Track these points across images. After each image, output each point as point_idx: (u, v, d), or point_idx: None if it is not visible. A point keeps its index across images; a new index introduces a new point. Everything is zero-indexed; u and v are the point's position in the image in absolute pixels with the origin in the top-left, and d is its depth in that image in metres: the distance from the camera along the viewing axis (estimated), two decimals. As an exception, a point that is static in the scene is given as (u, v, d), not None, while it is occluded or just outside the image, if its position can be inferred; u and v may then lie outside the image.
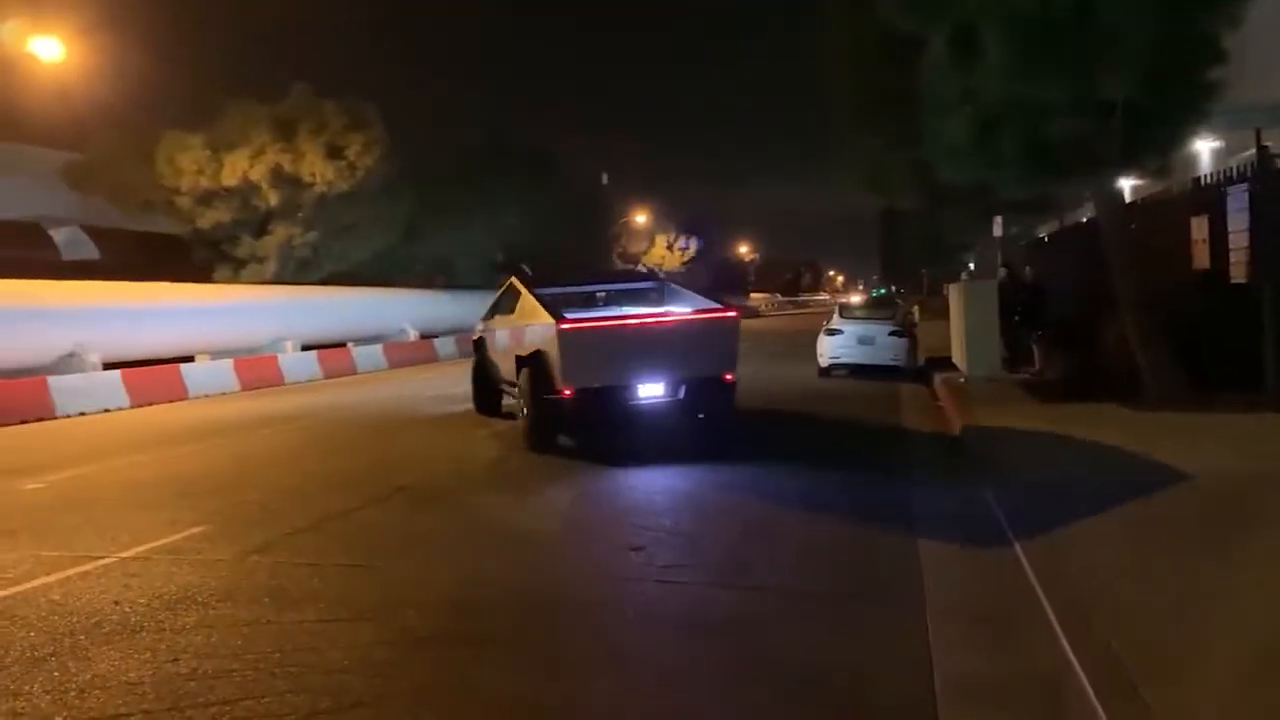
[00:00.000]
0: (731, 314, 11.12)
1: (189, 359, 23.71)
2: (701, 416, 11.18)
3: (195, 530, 7.60)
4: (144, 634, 5.16)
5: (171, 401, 20.25)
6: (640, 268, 57.45)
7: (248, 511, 8.28)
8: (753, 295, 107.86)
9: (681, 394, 10.66)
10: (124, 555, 6.88)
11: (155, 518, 8.15)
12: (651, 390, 10.58)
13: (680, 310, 11.63)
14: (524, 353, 11.36)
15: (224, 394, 21.78)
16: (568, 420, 10.98)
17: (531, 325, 11.35)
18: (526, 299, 11.92)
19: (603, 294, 13.10)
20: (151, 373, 20.90)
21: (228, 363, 23.23)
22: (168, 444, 13.18)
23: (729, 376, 10.93)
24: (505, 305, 13.21)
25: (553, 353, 10.32)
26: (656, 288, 13.38)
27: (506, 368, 12.64)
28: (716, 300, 11.74)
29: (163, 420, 16.83)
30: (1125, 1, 9.42)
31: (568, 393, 10.25)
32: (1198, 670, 3.99)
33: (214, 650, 4.87)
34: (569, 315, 10.56)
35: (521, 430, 11.43)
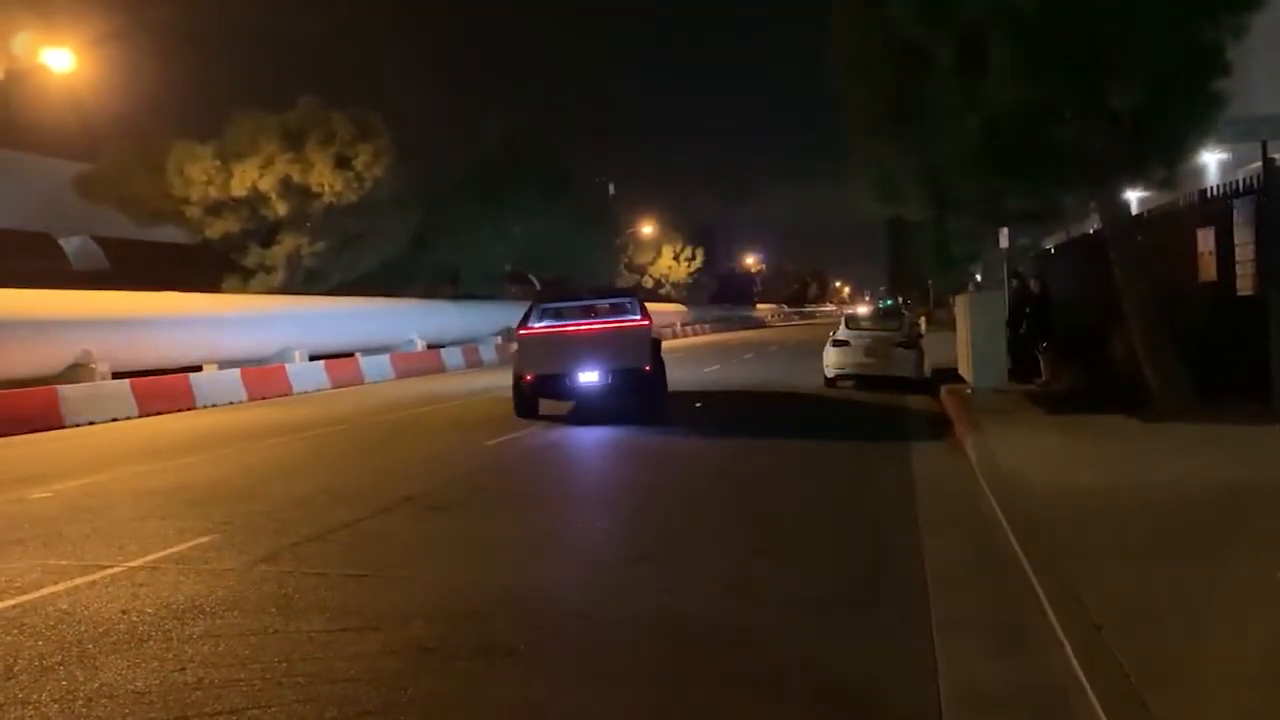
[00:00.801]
0: (644, 323, 15.51)
1: (197, 369, 23.80)
2: (631, 394, 15.35)
3: (203, 540, 7.62)
4: (151, 643, 5.17)
5: (179, 411, 20.32)
6: (646, 279, 57.70)
7: (255, 521, 8.30)
8: (759, 306, 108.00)
9: (610, 380, 14.95)
10: (132, 565, 6.90)
11: (163, 527, 8.18)
12: (589, 377, 14.96)
13: (608, 320, 15.84)
14: (513, 350, 16.98)
15: (232, 404, 21.84)
16: (530, 397, 15.46)
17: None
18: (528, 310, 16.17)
19: (586, 306, 17.27)
20: (160, 382, 20.98)
21: (235, 372, 23.31)
22: (175, 453, 13.22)
23: (647, 368, 15.07)
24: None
25: (519, 350, 15.75)
26: (628, 301, 16.62)
27: None
28: (642, 312, 16.01)
29: (171, 430, 16.89)
30: (1131, 10, 9.45)
31: (529, 377, 15.17)
32: (1204, 681, 3.97)
33: (221, 659, 4.88)
34: (530, 325, 15.52)
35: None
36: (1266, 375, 10.19)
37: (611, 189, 61.45)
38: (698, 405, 17.73)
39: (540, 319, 16.06)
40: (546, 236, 44.45)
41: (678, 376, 23.25)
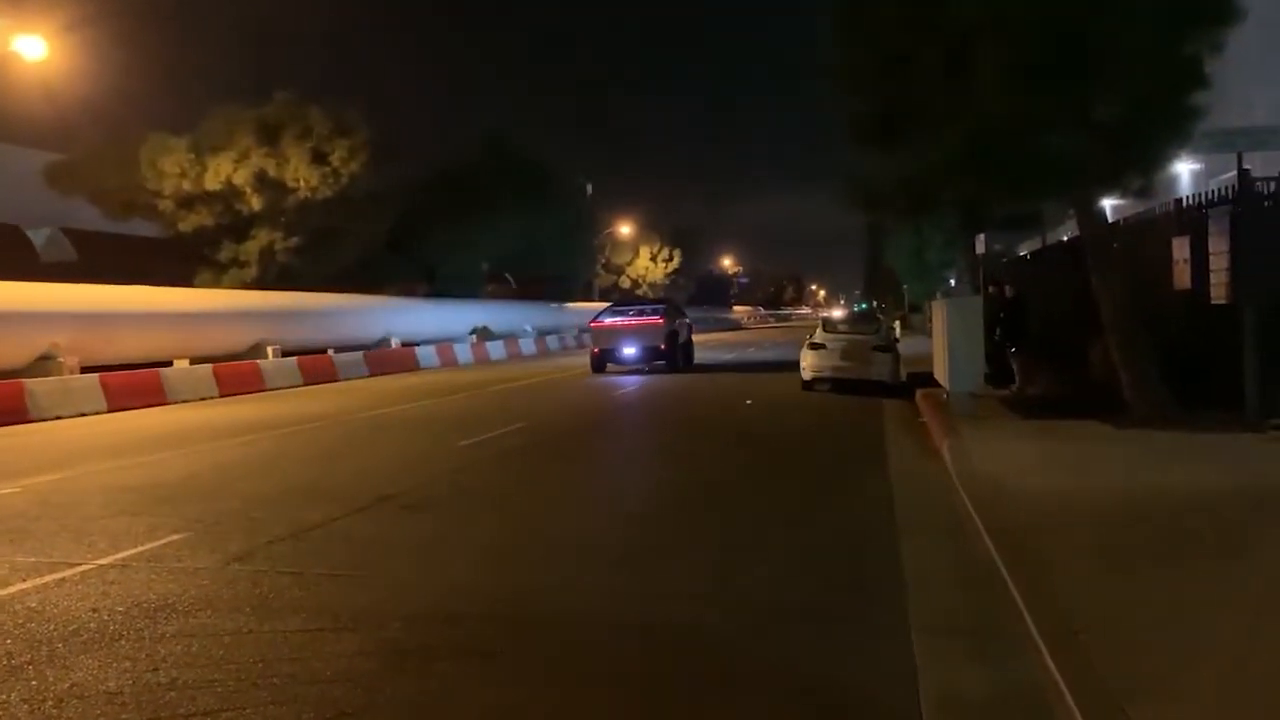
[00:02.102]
0: (660, 321, 26.70)
1: (168, 364, 23.51)
2: (660, 362, 26.36)
3: (175, 537, 7.51)
4: (123, 643, 5.09)
5: (150, 406, 20.07)
6: (623, 279, 58.47)
7: (228, 519, 8.20)
8: (736, 308, 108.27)
9: (640, 353, 26.08)
10: (102, 562, 6.79)
11: (134, 524, 8.06)
12: (629, 351, 26.22)
13: (641, 319, 27.01)
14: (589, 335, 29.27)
15: (204, 400, 21.60)
16: (599, 361, 26.58)
17: None
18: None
19: (631, 309, 28.83)
20: (130, 377, 20.72)
21: (207, 368, 23.05)
22: (147, 449, 13.05)
23: (662, 346, 26.01)
24: None
25: (592, 334, 28.02)
26: (657, 309, 28.36)
27: None
28: (682, 314, 28.97)
29: (141, 425, 16.67)
30: (1115, 24, 9.56)
31: (596, 350, 26.79)
32: (1183, 685, 4.00)
33: (194, 660, 4.80)
34: (600, 320, 28.07)
35: None
36: (1240, 383, 10.32)
37: (589, 189, 61.18)
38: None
39: (605, 316, 28.51)
40: (524, 236, 44.32)
41: (654, 383, 23.29)
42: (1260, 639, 4.50)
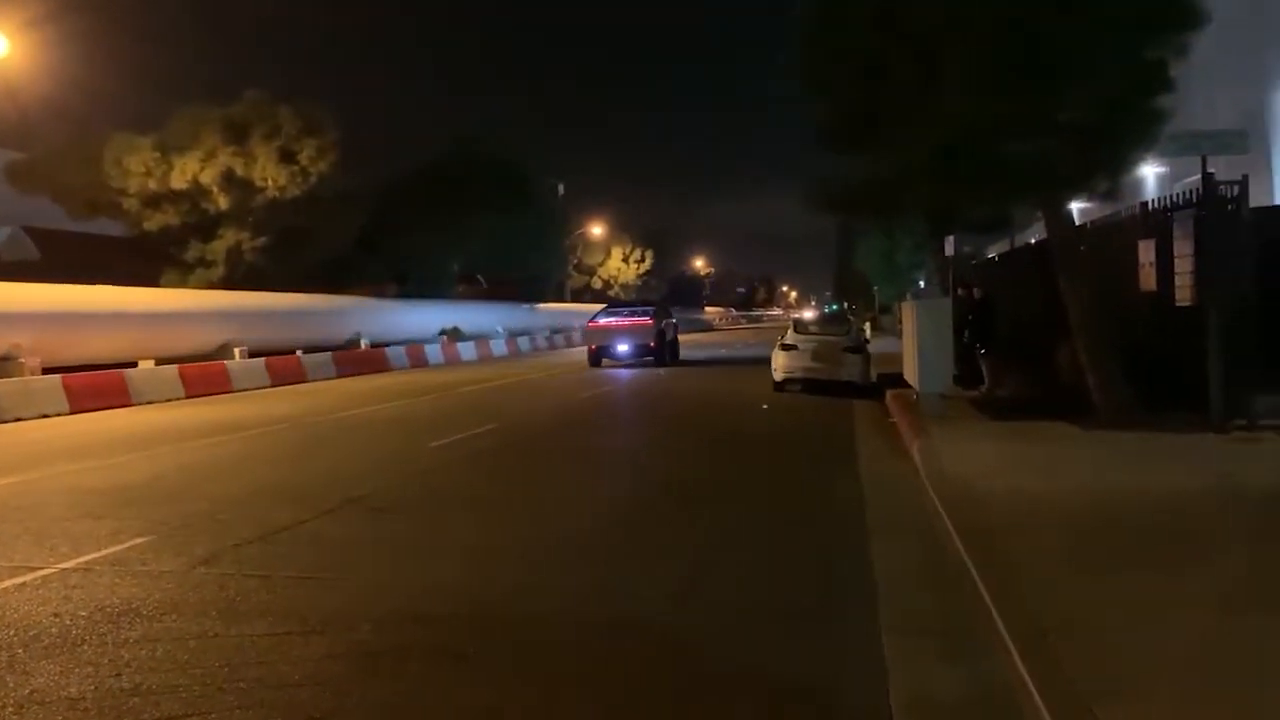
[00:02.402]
0: (649, 321, 29.56)
1: (133, 365, 23.19)
2: (649, 358, 29.10)
3: (139, 541, 7.39)
4: (85, 648, 4.99)
5: (114, 408, 19.77)
6: (595, 280, 59.08)
7: (194, 522, 8.08)
8: (707, 309, 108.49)
9: (632, 350, 28.98)
10: (64, 566, 6.67)
11: (97, 528, 7.92)
12: (622, 348, 29.06)
13: (631, 319, 29.87)
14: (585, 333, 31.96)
15: (169, 401, 21.31)
16: (595, 357, 29.35)
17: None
18: None
19: (624, 310, 32.28)
20: (93, 378, 20.41)
21: (173, 369, 22.75)
22: (110, 451, 12.85)
23: (651, 344, 28.87)
24: None
25: (587, 333, 30.82)
26: (647, 310, 31.43)
27: None
28: (669, 314, 32.25)
29: (105, 427, 16.42)
30: (1082, 29, 9.66)
31: (593, 347, 29.76)
32: (1151, 685, 4.03)
33: (159, 665, 4.73)
34: (595, 320, 31.08)
35: None
36: (1204, 384, 10.46)
37: (561, 190, 61.00)
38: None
39: (600, 317, 31.42)
40: (495, 237, 44.15)
41: (626, 384, 23.29)
42: (1226, 639, 4.55)
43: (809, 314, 32.28)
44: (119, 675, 4.59)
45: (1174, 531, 6.55)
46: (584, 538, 7.49)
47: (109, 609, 5.65)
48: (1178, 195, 11.31)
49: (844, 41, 11.67)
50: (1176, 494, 7.61)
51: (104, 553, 7.04)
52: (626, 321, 30.30)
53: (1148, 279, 11.35)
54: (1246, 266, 10.36)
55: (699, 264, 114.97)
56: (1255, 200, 10.83)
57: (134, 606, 5.69)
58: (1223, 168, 10.91)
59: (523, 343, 44.68)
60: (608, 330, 30.03)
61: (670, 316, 32.52)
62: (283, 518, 8.14)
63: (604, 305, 38.97)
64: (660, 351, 29.53)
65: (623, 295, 73.99)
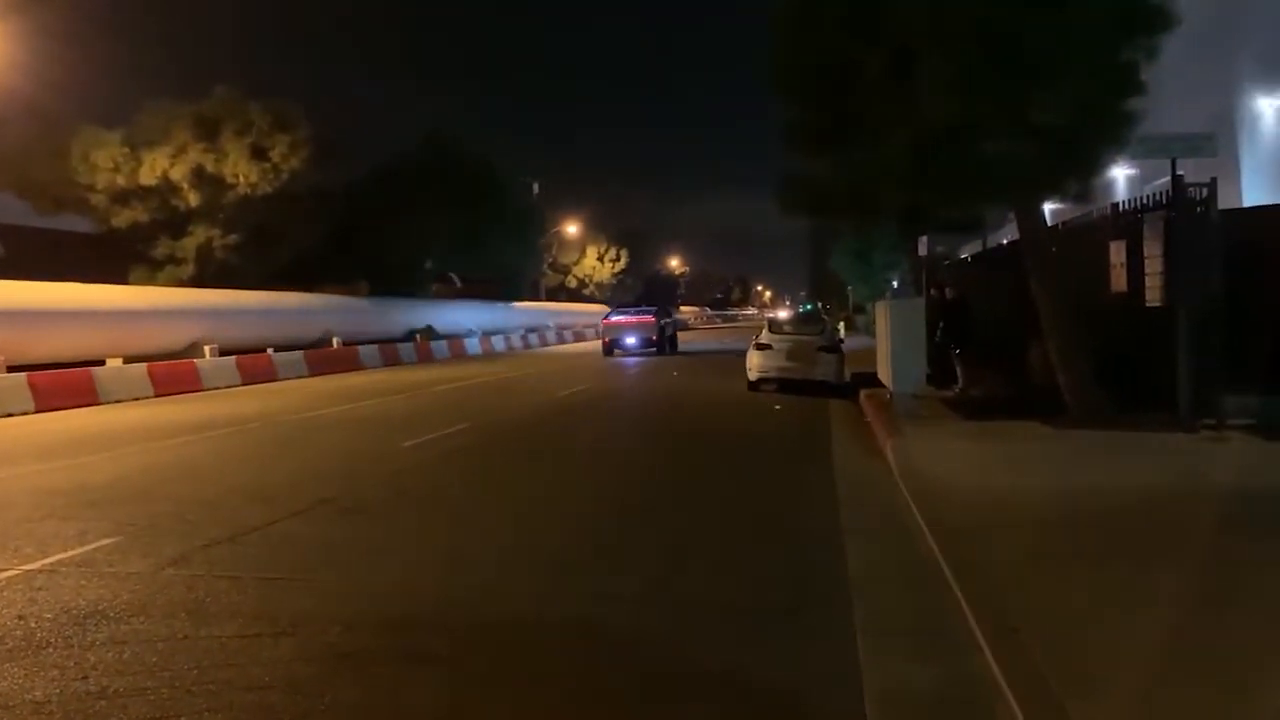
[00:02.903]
0: (652, 319, 36.54)
1: (100, 363, 22.88)
2: (651, 350, 35.54)
3: (106, 542, 7.29)
4: (51, 651, 4.91)
5: (81, 406, 19.50)
6: (570, 279, 59.84)
7: (163, 522, 7.98)
8: (683, 308, 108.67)
9: (639, 343, 35.63)
10: (29, 568, 6.56)
11: (63, 528, 7.80)
12: (630, 340, 35.72)
13: (638, 316, 37.25)
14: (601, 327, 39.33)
15: (138, 400, 21.05)
16: (609, 348, 35.86)
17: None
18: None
19: (632, 309, 40.17)
20: (60, 376, 20.11)
21: (141, 367, 22.47)
22: (77, 451, 12.66)
23: (654, 338, 35.78)
24: None
25: (603, 328, 37.92)
26: (652, 309, 38.34)
27: None
28: (669, 314, 40.91)
29: (71, 426, 16.18)
30: (1055, 31, 9.74)
31: (606, 340, 36.58)
32: (1121, 681, 4.07)
33: (126, 667, 4.65)
34: (609, 317, 38.57)
35: None
36: (1173, 384, 10.58)
37: (536, 188, 60.83)
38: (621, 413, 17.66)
39: (613, 315, 38.05)
40: (469, 235, 43.94)
41: (600, 385, 23.25)
42: (1194, 633, 4.60)
43: (784, 314, 32.30)
44: (85, 678, 4.52)
45: (1143, 529, 6.62)
46: (556, 537, 7.47)
47: (75, 611, 5.56)
48: (1148, 197, 11.43)
49: (817, 41, 11.70)
50: (1146, 492, 7.69)
51: (70, 554, 6.93)
52: (634, 319, 37.13)
53: (1118, 280, 11.46)
54: (1215, 268, 10.49)
55: (674, 263, 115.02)
56: (1224, 202, 10.96)
57: (101, 608, 5.60)
58: (1192, 170, 11.04)
59: (497, 342, 44.52)
60: (619, 326, 36.71)
61: (669, 316, 40.68)
62: (253, 518, 8.05)
63: (609, 308, 49.00)
64: (661, 344, 36.32)
65: (597, 294, 73.94)
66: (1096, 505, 7.38)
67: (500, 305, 51.31)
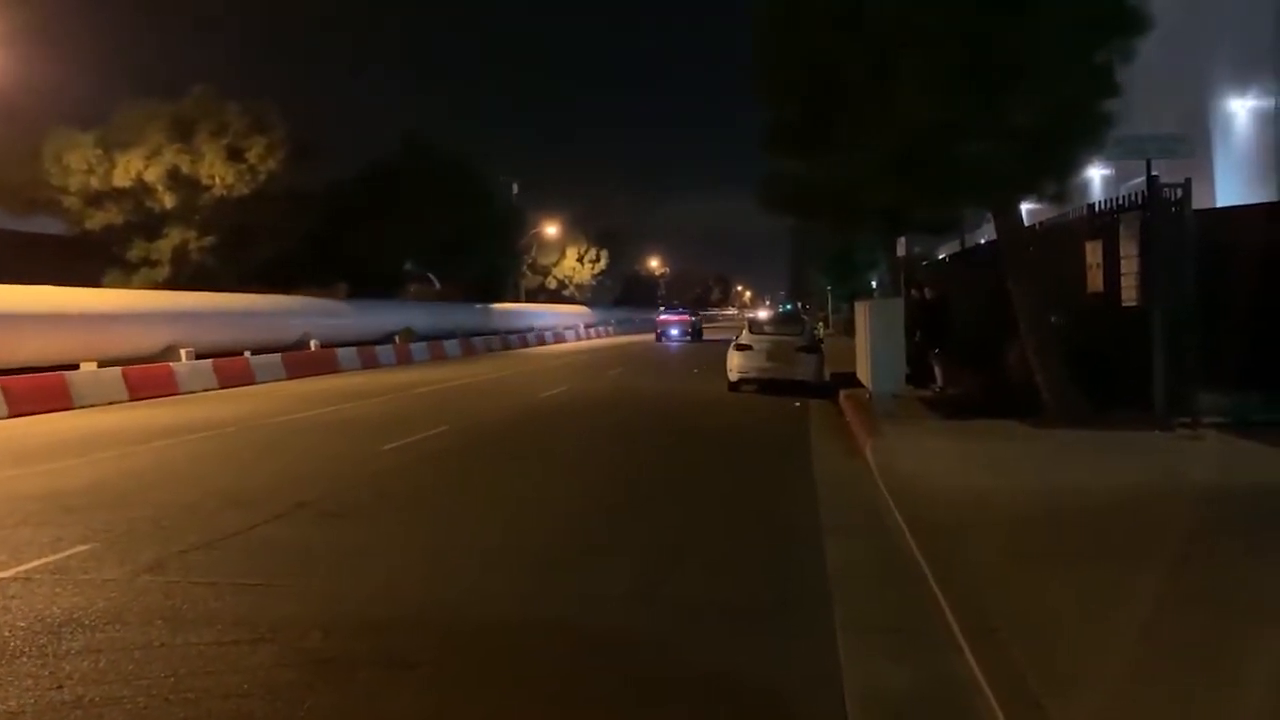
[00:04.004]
0: (690, 318, 58.44)
1: (74, 367, 22.63)
2: (689, 340, 53.18)
3: (82, 548, 7.20)
4: (25, 659, 4.84)
5: (55, 411, 19.26)
6: (550, 280, 62.79)
7: (139, 528, 7.89)
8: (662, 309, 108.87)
9: (680, 333, 54.34)
10: (2, 575, 6.47)
11: (37, 535, 7.70)
12: (674, 332, 54.58)
13: (681, 315, 59.03)
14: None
15: (113, 404, 20.83)
16: (659, 337, 55.01)
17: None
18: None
19: (677, 309, 66.67)
20: (33, 380, 19.86)
21: (116, 371, 22.23)
22: (51, 456, 12.51)
23: (689, 331, 55.22)
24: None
25: (658, 324, 58.58)
26: (690, 310, 67.22)
27: None
28: (696, 315, 65.03)
29: (45, 431, 15.99)
30: (1032, 33, 9.82)
31: (658, 332, 56.07)
32: (1100, 680, 4.09)
33: (102, 676, 4.60)
34: (660, 315, 62.00)
35: None
36: (1149, 383, 10.68)
37: (515, 189, 60.64)
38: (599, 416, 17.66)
39: (663, 314, 60.83)
40: (448, 236, 43.76)
41: (578, 386, 23.22)
42: (1170, 631, 4.64)
43: (763, 314, 32.38)
44: (60, 688, 4.46)
45: (1121, 528, 6.68)
46: (537, 539, 7.45)
47: (49, 619, 5.49)
48: (1124, 197, 11.54)
49: (798, 41, 11.74)
50: (1124, 491, 7.76)
51: (44, 561, 6.85)
52: (676, 318, 57.25)
53: (1095, 280, 11.56)
54: (1189, 268, 10.60)
55: (654, 264, 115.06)
56: (1198, 202, 11.08)
57: (76, 616, 5.53)
58: (1166, 170, 11.15)
59: (477, 343, 44.37)
60: (668, 322, 56.26)
61: (696, 316, 62.92)
62: (231, 523, 7.98)
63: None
64: (694, 334, 54.77)
65: (577, 295, 73.84)
66: (1075, 504, 7.44)
67: (480, 307, 51.13)
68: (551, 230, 65.41)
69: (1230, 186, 21.50)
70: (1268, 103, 21.43)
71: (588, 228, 75.32)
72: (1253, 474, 8.39)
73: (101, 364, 23.46)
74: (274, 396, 21.95)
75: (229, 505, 8.80)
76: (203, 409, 19.10)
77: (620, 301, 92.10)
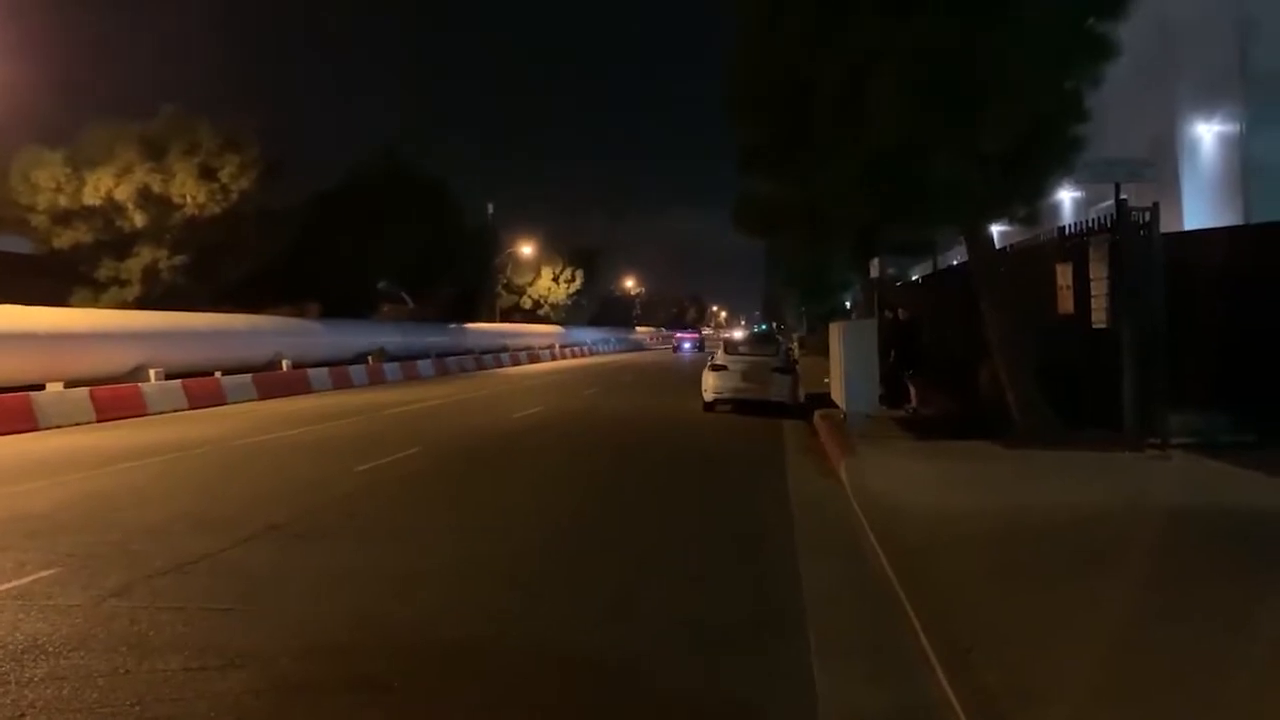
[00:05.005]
0: (697, 335, 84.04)
1: (40, 387, 22.29)
2: (697, 350, 68.89)
3: (45, 573, 7.06)
4: (-15, 688, 4.73)
5: (19, 433, 18.95)
6: (525, 299, 61.83)
7: (105, 552, 7.75)
8: (639, 328, 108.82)
9: (692, 347, 73.06)
10: (-37, 601, 6.34)
11: (0, 560, 7.55)
12: (686, 346, 74.80)
13: (690, 334, 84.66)
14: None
15: (79, 425, 20.53)
16: (675, 351, 74.67)
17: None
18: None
19: (687, 329, 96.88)
20: (-2, 401, 19.52)
21: (83, 392, 21.91)
22: (15, 479, 12.29)
23: (700, 346, 71.90)
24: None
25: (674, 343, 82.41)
26: (698, 329, 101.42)
27: None
28: (700, 333, 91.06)
29: (10, 453, 15.71)
30: (1002, 58, 9.95)
31: (674, 347, 78.93)
32: (1073, 700, 4.11)
33: (66, 704, 4.50)
34: (676, 334, 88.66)
35: None
36: (1119, 403, 10.79)
37: (490, 209, 60.61)
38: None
39: (678, 334, 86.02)
40: (422, 256, 43.62)
41: (550, 409, 23.16)
42: (1138, 649, 4.67)
43: (739, 334, 32.48)
44: (21, 716, 4.37)
45: (1090, 548, 6.73)
46: (510, 562, 7.39)
47: (11, 646, 5.37)
48: (1093, 220, 11.69)
49: (770, 59, 11.84)
50: (1093, 511, 7.83)
51: (7, 586, 6.71)
52: (690, 335, 77.53)
53: (1065, 302, 11.69)
54: (1158, 290, 10.74)
55: (629, 284, 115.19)
56: (1165, 225, 11.24)
57: (39, 643, 5.42)
58: (1135, 193, 11.32)
59: (451, 363, 44.17)
60: (681, 339, 76.16)
61: (700, 334, 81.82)
62: (200, 546, 7.86)
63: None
64: (701, 347, 66.06)
65: (552, 315, 73.73)
66: (1046, 523, 7.49)
67: (454, 326, 50.92)
68: (526, 250, 65.36)
69: (1197, 209, 21.87)
70: (1233, 127, 21.86)
71: (562, 246, 75.32)
72: (1220, 495, 8.48)
73: (69, 384, 23.13)
74: (245, 417, 21.72)
75: (198, 528, 8.67)
76: (172, 430, 18.85)
77: (596, 321, 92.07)
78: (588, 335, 78.72)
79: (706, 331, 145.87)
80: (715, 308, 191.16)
